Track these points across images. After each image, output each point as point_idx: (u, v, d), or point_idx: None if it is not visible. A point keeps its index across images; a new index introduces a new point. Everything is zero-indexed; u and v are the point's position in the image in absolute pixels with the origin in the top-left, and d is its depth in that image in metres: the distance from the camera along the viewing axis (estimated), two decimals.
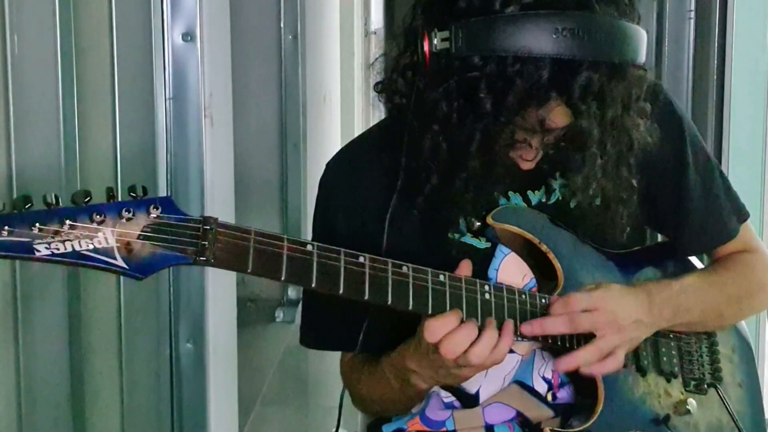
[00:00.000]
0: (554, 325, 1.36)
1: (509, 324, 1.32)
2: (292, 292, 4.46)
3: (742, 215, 1.59)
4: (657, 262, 1.57)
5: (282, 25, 4.28)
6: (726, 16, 2.86)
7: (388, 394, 1.45)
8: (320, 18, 4.90)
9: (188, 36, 2.09)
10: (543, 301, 1.38)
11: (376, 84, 1.42)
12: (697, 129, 1.58)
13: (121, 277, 2.11)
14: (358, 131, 4.27)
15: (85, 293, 2.02)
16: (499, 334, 1.30)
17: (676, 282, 1.50)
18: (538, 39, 1.21)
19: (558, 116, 1.27)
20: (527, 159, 1.39)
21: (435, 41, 1.27)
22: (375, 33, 6.23)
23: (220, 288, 2.29)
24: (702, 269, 1.61)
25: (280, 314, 4.37)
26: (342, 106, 5.48)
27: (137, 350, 2.18)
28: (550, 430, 1.40)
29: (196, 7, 2.08)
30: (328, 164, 1.54)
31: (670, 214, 1.55)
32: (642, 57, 1.30)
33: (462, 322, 1.28)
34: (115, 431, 2.18)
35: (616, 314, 1.38)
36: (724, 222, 1.57)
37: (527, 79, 1.23)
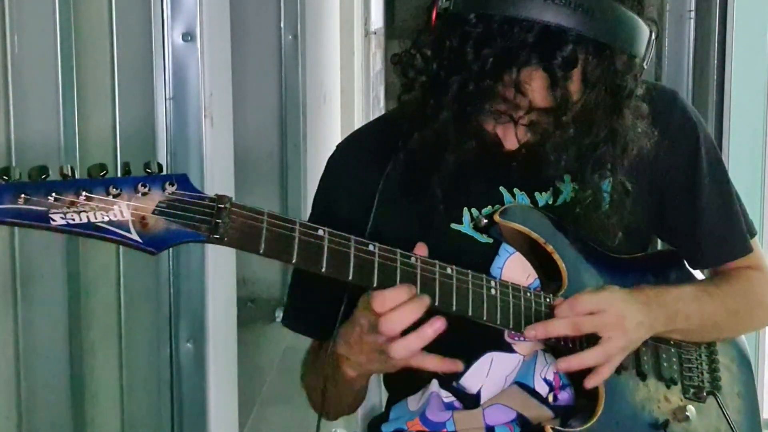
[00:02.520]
0: (557, 328, 1.36)
1: (437, 321, 1.27)
2: None
3: (750, 231, 1.59)
4: (660, 268, 1.56)
5: (282, 25, 4.27)
6: (726, 16, 2.86)
7: (320, 383, 1.42)
8: (320, 18, 4.89)
9: (188, 36, 2.08)
10: (548, 300, 1.38)
11: (393, 55, 1.40)
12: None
13: (122, 278, 2.13)
14: None
15: (84, 293, 2.01)
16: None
17: (675, 288, 1.50)
18: (530, 2, 1.22)
19: (539, 91, 1.26)
20: (509, 137, 1.35)
21: (440, 2, 1.29)
22: (375, 33, 6.22)
23: (220, 288, 2.28)
24: (703, 280, 1.61)
25: (280, 314, 4.36)
26: (342, 106, 5.46)
27: (137, 350, 2.17)
28: (552, 429, 1.40)
29: (196, 7, 2.08)
30: (338, 145, 1.55)
31: (683, 227, 1.55)
32: (637, 50, 1.29)
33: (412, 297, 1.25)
34: (115, 431, 2.17)
35: (623, 316, 1.38)
36: (738, 238, 1.56)
37: (512, 39, 1.23)
